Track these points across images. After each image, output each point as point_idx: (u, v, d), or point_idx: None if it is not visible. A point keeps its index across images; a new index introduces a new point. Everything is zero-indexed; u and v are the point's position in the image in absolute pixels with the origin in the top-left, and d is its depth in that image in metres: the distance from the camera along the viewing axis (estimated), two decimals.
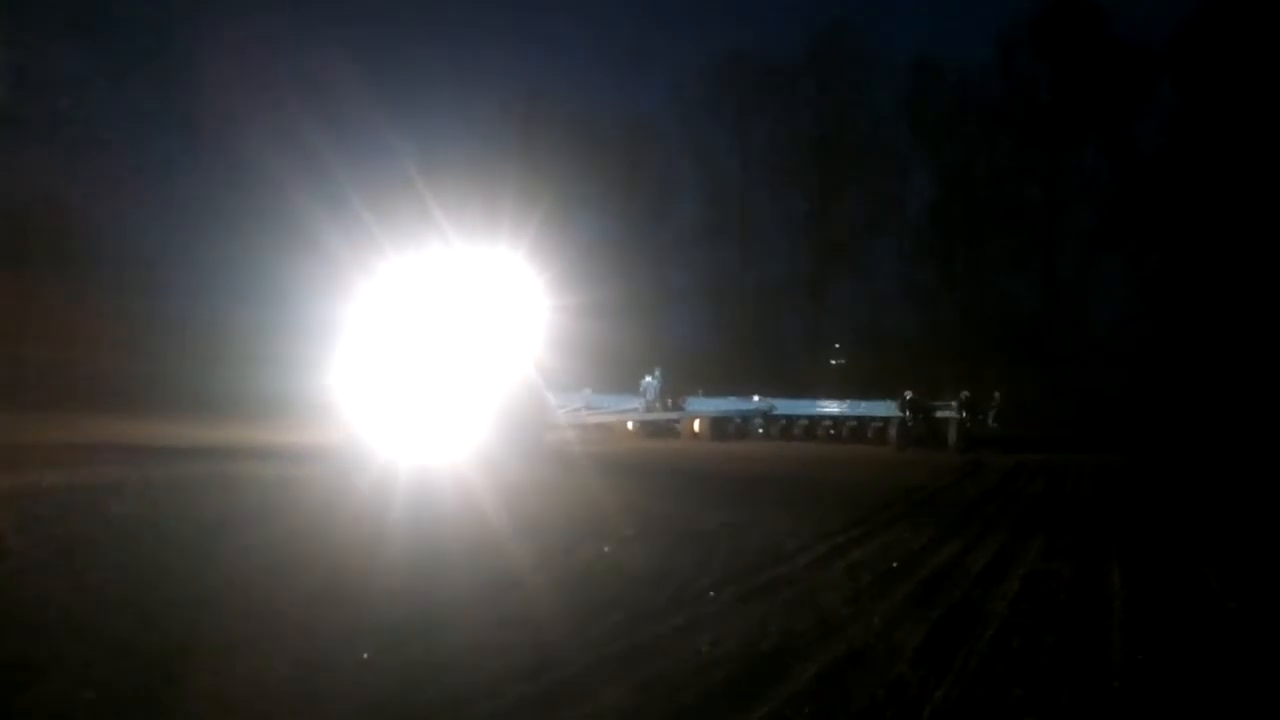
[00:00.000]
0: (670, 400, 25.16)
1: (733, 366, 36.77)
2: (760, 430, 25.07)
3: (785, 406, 25.75)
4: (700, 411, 25.02)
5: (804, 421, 25.42)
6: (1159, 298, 34.24)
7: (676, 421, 24.83)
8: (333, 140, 25.28)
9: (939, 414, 24.15)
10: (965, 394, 24.25)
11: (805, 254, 41.75)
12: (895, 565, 7.21)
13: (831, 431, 25.23)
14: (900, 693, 4.28)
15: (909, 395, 24.00)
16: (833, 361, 36.32)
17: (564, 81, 52.84)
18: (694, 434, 24.41)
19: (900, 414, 23.54)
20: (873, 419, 24.59)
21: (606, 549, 7.37)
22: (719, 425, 24.82)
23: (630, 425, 24.49)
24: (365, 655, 4.63)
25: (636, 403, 24.74)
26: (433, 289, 16.98)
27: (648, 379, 24.75)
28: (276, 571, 6.23)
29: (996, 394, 25.98)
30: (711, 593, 6.03)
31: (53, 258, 22.91)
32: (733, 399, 25.99)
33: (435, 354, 16.23)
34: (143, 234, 27.31)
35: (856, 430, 24.85)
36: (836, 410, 25.47)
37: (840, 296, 41.13)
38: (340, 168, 23.00)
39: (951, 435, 23.38)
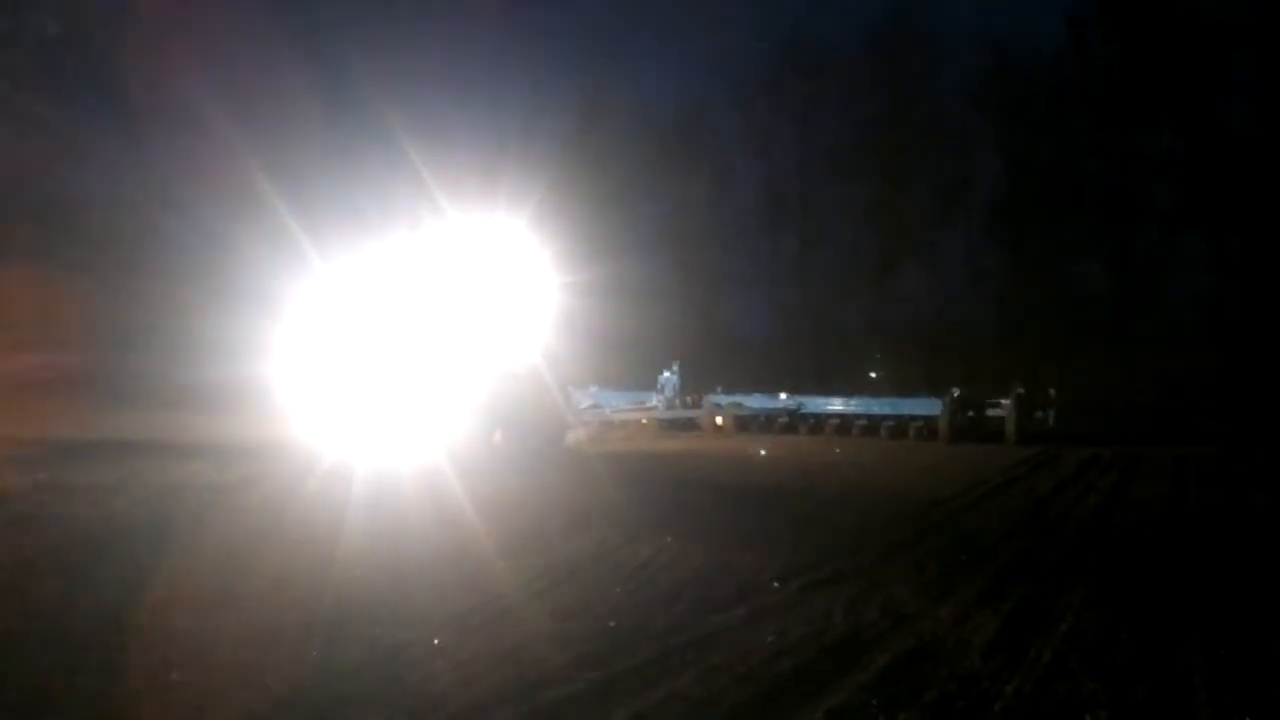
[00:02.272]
0: (690, 397, 24.42)
1: (788, 358, 35.81)
2: (785, 426, 24.06)
3: (824, 404, 24.62)
4: (723, 409, 24.19)
5: (834, 420, 24.23)
6: (1241, 279, 31.87)
7: (696, 419, 24.07)
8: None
9: (990, 412, 22.64)
10: (1019, 390, 22.71)
11: (868, 241, 40.36)
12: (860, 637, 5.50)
13: (867, 429, 23.93)
14: None
15: (956, 393, 22.64)
16: (871, 374, 34.79)
17: (620, 68, 52.29)
18: (716, 429, 23.62)
19: (946, 413, 22.12)
20: (914, 417, 23.23)
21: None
22: (743, 422, 23.99)
23: (644, 420, 23.84)
24: (436, 641, 5.19)
25: (654, 399, 24.10)
26: (437, 267, 16.66)
27: (666, 374, 24.06)
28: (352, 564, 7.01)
29: (1051, 390, 24.43)
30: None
31: None
32: (758, 396, 25.03)
33: (431, 340, 15.85)
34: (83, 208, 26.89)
35: (896, 429, 23.51)
36: (875, 409, 24.15)
37: (905, 285, 39.65)
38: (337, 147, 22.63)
39: (1009, 428, 21.79)
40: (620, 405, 24.16)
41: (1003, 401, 22.46)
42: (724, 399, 24.49)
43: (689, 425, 23.91)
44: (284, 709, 4.32)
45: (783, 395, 24.91)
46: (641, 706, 4.32)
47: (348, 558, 7.32)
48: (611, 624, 5.68)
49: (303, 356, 15.25)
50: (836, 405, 24.45)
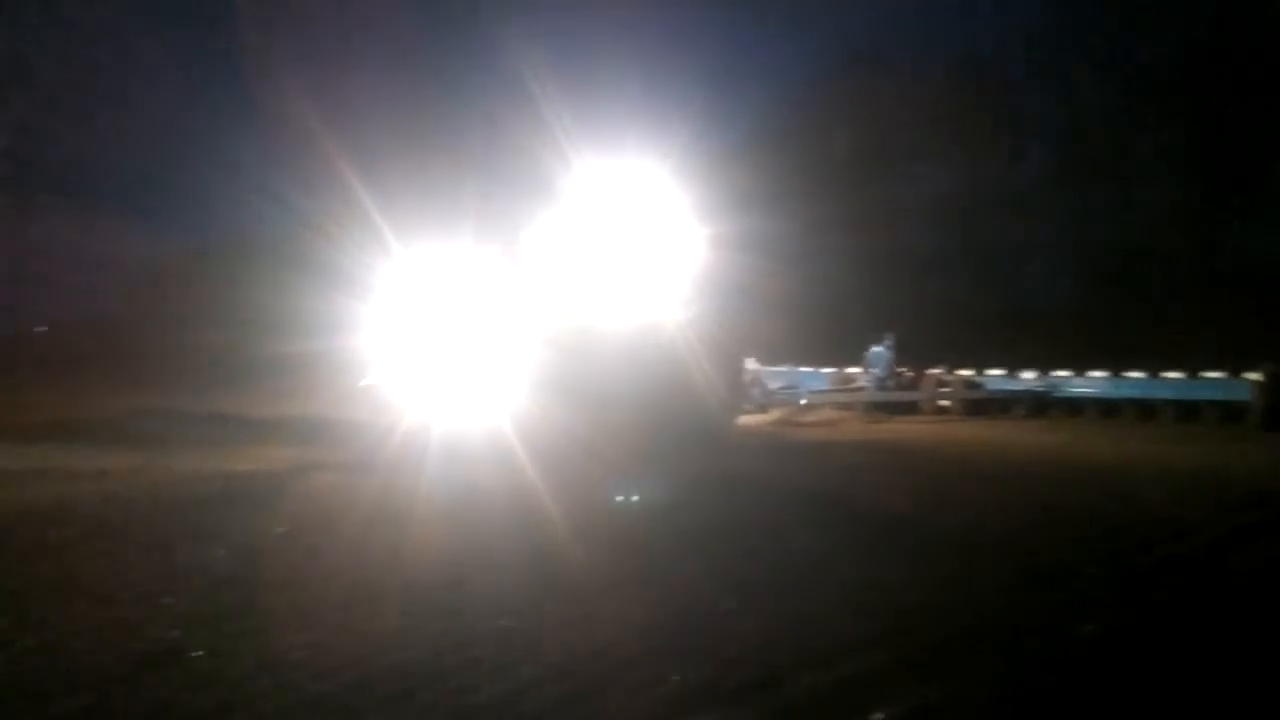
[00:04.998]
0: (910, 373, 20.39)
1: (1092, 329, 30.23)
2: (1030, 409, 19.43)
3: (1078, 385, 19.74)
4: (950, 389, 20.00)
5: (1095, 403, 19.28)
6: None
7: (918, 401, 20.06)
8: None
9: None
10: None
11: (1190, 192, 33.65)
12: None
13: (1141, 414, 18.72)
14: None
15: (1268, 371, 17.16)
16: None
17: (896, 23, 47.16)
18: (940, 412, 19.55)
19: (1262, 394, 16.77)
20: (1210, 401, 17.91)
21: None
22: (977, 405, 19.69)
23: (849, 401, 20.10)
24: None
25: (864, 378, 20.33)
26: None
27: (875, 348, 20.19)
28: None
29: None
30: None
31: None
32: (997, 376, 20.47)
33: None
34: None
35: (1183, 413, 18.23)
36: (1150, 390, 18.94)
37: (1232, 241, 32.70)
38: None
39: None
40: (820, 385, 20.62)
41: None
42: (948, 376, 20.25)
43: (906, 408, 19.94)
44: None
45: (1028, 373, 20.19)
46: None
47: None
48: None
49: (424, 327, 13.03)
50: (1096, 387, 19.49)
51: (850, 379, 20.82)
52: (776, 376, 20.25)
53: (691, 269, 15.01)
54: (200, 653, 4.31)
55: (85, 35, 24.71)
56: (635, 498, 9.17)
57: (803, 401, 18.98)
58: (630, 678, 4.13)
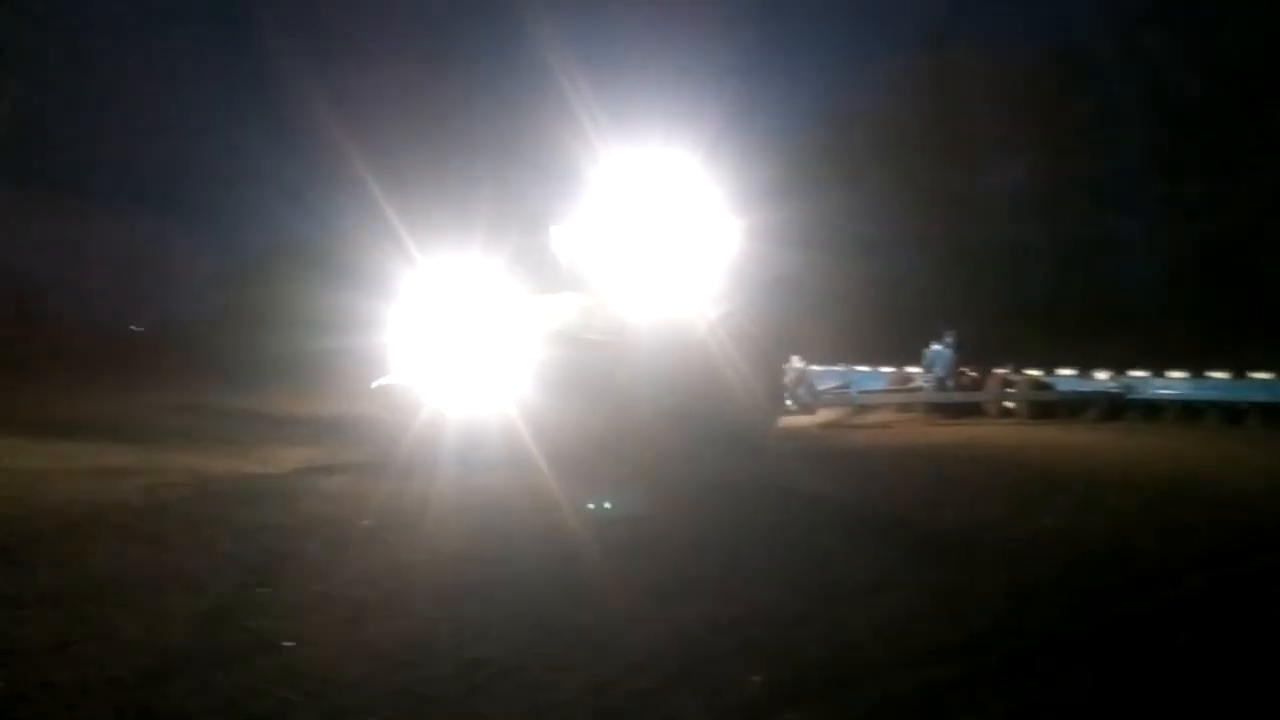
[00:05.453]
0: (974, 373, 19.32)
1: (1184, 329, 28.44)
2: (1103, 413, 18.19)
3: (1157, 387, 18.41)
4: (1017, 390, 18.85)
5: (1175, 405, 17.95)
6: None
7: (982, 402, 18.98)
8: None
9: None
10: None
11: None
12: None
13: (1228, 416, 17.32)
14: None
15: None
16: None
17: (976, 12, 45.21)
18: (1006, 413, 18.49)
19: None
20: None
21: None
22: (1045, 408, 18.53)
23: (906, 403, 19.14)
24: None
25: (922, 378, 19.33)
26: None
27: (935, 346, 19.18)
28: None
29: None
30: None
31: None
32: (1068, 377, 19.25)
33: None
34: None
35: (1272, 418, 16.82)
36: (1244, 393, 17.48)
37: None
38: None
39: None
40: (875, 385, 19.68)
41: None
42: (1015, 376, 19.12)
43: (969, 410, 18.90)
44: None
45: (1102, 374, 18.94)
46: None
47: None
48: None
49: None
50: (1176, 388, 18.15)
51: (909, 379, 19.81)
52: (829, 376, 19.37)
53: (729, 262, 14.34)
54: (291, 643, 4.30)
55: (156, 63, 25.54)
56: (608, 505, 8.59)
57: (851, 399, 18.10)
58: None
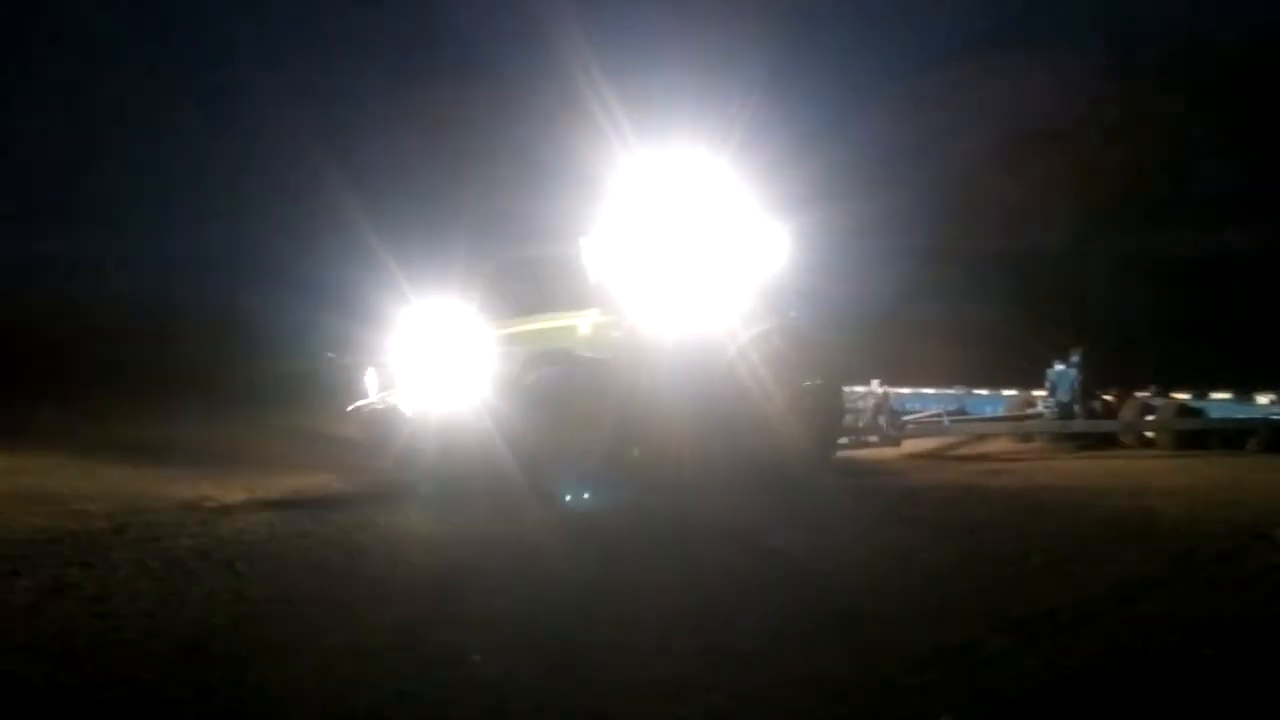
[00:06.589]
0: (1112, 397, 16.97)
1: None
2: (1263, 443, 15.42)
3: None
4: (1157, 416, 16.37)
5: None
6: None
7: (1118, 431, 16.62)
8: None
9: None
10: None
11: None
12: None
13: None
14: None
15: None
16: None
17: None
18: (1140, 442, 16.12)
19: None
20: None
21: None
22: (1195, 437, 15.98)
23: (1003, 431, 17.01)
24: None
25: (1043, 404, 17.13)
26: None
27: (1059, 367, 16.95)
28: None
29: None
30: None
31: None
32: (1223, 401, 16.49)
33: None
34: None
35: None
36: None
37: None
38: None
39: None
40: (993, 411, 17.63)
41: None
42: (1156, 401, 16.61)
43: (1101, 440, 16.61)
44: None
45: (1265, 398, 16.10)
46: None
47: None
48: None
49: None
50: None
51: (1032, 403, 17.59)
52: (934, 401, 17.52)
53: (777, 274, 13.12)
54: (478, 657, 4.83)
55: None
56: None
57: (948, 428, 16.20)
58: None
